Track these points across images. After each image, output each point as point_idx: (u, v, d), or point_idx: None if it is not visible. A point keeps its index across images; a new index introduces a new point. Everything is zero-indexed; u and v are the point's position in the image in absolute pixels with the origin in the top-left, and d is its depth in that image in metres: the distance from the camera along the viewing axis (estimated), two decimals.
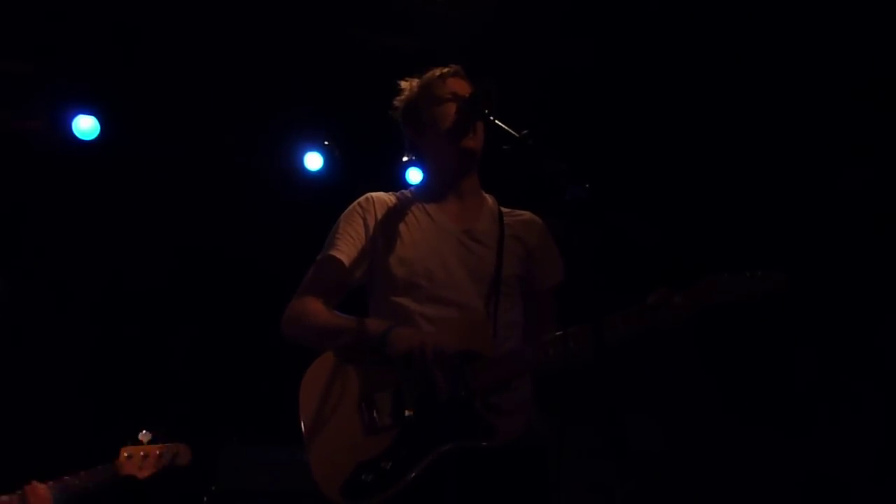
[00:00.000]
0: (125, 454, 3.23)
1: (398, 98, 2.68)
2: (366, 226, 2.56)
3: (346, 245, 2.53)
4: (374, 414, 2.36)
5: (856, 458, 4.79)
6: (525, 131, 2.26)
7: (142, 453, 3.25)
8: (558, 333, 2.39)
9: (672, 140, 5.07)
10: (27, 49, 4.61)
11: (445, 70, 2.61)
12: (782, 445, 4.95)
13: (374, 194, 2.65)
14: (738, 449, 4.99)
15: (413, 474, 2.27)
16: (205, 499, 4.19)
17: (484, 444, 2.30)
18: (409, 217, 2.58)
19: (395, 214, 2.58)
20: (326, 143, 5.35)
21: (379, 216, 2.57)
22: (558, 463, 2.37)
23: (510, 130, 2.31)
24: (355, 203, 2.62)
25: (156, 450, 3.28)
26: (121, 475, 3.20)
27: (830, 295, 4.81)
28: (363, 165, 5.29)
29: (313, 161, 5.35)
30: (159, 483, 3.29)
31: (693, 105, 4.90)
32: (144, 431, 3.27)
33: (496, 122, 2.36)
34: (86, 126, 4.89)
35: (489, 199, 2.70)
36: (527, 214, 2.71)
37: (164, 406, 4.84)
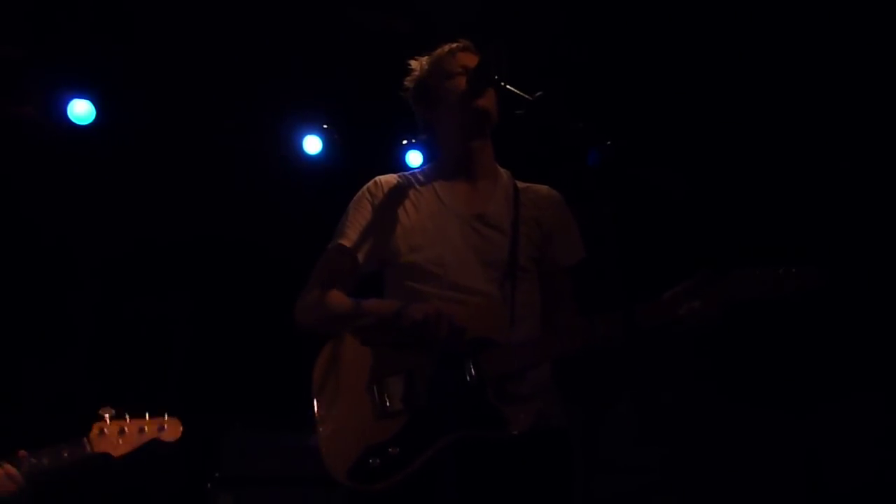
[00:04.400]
0: (97, 430, 2.87)
1: (408, 78, 2.62)
2: (374, 211, 2.52)
3: (355, 232, 2.49)
4: (385, 398, 2.32)
5: (860, 440, 4.77)
6: (539, 93, 2.19)
7: (118, 428, 2.87)
8: (580, 322, 2.33)
9: (694, 96, 4.85)
10: (19, 32, 4.54)
11: (455, 45, 2.57)
12: (788, 428, 4.93)
13: (382, 178, 2.59)
14: (744, 432, 4.95)
15: (419, 462, 2.23)
16: (208, 485, 4.17)
17: (492, 434, 2.25)
18: (418, 201, 2.53)
19: (404, 198, 2.53)
20: (325, 126, 5.31)
21: (388, 200, 2.52)
22: (583, 446, 2.33)
23: (522, 94, 2.24)
24: (364, 188, 2.57)
25: (136, 424, 2.90)
26: (90, 453, 2.84)
27: (836, 278, 4.73)
28: (363, 148, 5.25)
29: (312, 144, 5.30)
30: (142, 462, 2.93)
31: (716, 58, 4.66)
32: (107, 407, 2.90)
33: (507, 86, 2.30)
34: (81, 111, 4.82)
35: (504, 175, 2.62)
36: (544, 189, 2.64)
37: (166, 391, 4.82)
